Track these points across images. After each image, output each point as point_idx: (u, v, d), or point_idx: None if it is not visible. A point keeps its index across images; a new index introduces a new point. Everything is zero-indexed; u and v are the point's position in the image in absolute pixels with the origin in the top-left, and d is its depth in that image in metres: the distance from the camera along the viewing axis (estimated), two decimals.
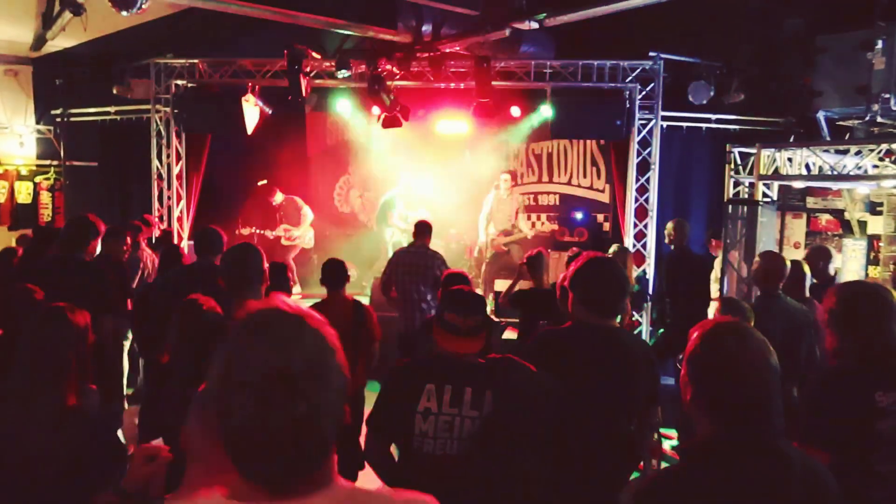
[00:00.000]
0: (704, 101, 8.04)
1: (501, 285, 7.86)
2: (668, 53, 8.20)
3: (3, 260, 5.51)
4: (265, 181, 9.31)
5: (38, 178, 10.49)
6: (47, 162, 10.54)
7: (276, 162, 9.81)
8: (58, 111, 10.07)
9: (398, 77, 8.48)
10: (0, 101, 10.22)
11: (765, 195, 6.52)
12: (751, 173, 6.77)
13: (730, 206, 6.45)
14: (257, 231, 9.16)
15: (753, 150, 6.61)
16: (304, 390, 1.10)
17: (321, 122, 10.65)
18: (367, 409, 2.63)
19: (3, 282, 5.00)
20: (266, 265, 2.97)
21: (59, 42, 8.93)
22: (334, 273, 4.59)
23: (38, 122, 10.50)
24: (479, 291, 8.93)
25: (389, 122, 8.64)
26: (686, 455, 1.67)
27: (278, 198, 9.32)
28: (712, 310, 4.97)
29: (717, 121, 8.50)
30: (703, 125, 8.57)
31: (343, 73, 8.23)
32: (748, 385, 1.58)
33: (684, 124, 8.63)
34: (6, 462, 1.99)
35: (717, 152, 8.35)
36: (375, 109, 8.80)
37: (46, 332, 2.22)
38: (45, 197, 10.52)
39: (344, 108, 9.44)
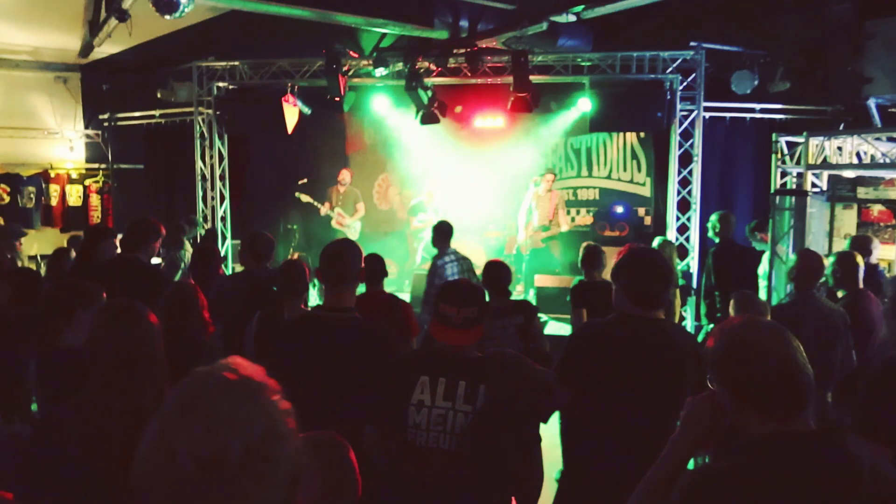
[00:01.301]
0: (748, 91, 7.86)
1: (541, 281, 7.81)
2: (710, 43, 8.04)
3: (56, 260, 5.68)
4: (305, 180, 9.41)
5: (87, 182, 10.81)
6: (96, 165, 10.84)
7: (315, 161, 9.92)
8: (105, 116, 10.36)
9: (435, 74, 8.50)
10: (51, 108, 10.56)
11: (814, 185, 6.33)
12: (798, 163, 6.58)
13: (777, 198, 6.29)
14: (313, 202, 9.27)
15: (801, 140, 6.43)
16: (241, 487, 0.92)
17: (359, 120, 10.73)
18: None
19: (56, 281, 5.14)
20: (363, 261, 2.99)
21: (105, 48, 9.17)
22: (373, 267, 4.60)
23: (86, 127, 10.81)
24: (518, 287, 8.91)
25: (427, 119, 8.66)
26: (741, 451, 1.61)
27: (346, 178, 9.42)
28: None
29: (762, 110, 8.30)
30: (748, 115, 8.38)
31: (381, 72, 8.28)
32: (795, 375, 1.55)
33: (727, 115, 8.44)
34: (100, 475, 1.92)
35: (762, 143, 8.15)
36: (413, 106, 8.82)
37: (121, 331, 2.11)
38: (95, 199, 10.83)
39: (382, 106, 9.49)
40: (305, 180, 9.39)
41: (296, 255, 9.40)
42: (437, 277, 5.67)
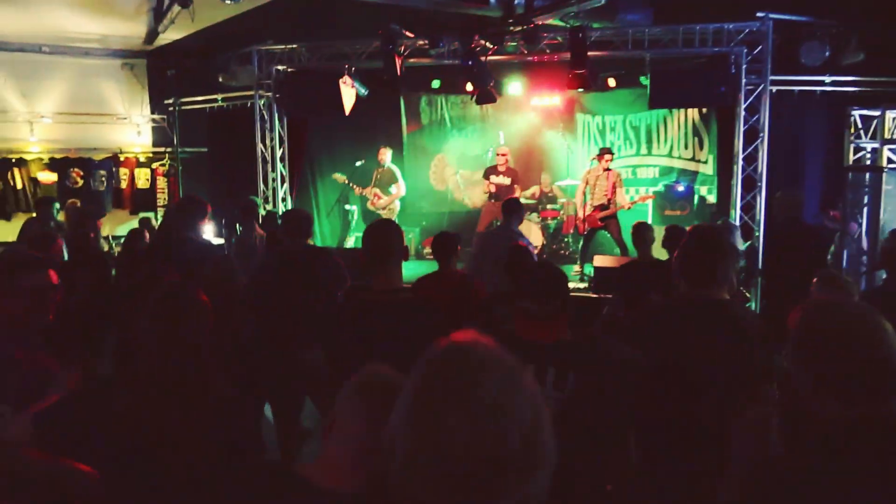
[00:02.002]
0: (819, 63, 7.51)
1: (600, 261, 7.71)
2: (778, 13, 7.70)
3: (131, 242, 5.89)
4: (363, 161, 9.50)
5: (154, 165, 11.20)
6: (162, 149, 11.22)
7: (373, 142, 10.00)
8: (170, 100, 10.67)
9: (491, 52, 8.41)
10: (119, 94, 10.96)
11: (890, 161, 6.04)
12: (874, 138, 6.28)
13: (850, 174, 6.03)
14: (349, 184, 9.30)
15: (877, 113, 6.13)
16: (516, 480, 0.83)
17: (416, 100, 10.75)
18: None
19: (133, 263, 5.35)
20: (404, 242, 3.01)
21: (169, 35, 9.46)
22: (445, 246, 4.62)
23: (152, 112, 11.17)
24: (576, 268, 8.82)
25: (483, 98, 8.60)
26: (821, 438, 1.56)
27: (386, 157, 9.38)
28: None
29: (834, 83, 7.92)
30: (818, 88, 8.01)
31: (437, 51, 8.25)
32: (882, 359, 1.49)
33: (796, 88, 8.10)
34: (147, 449, 1.99)
35: (833, 117, 7.81)
36: (470, 86, 8.77)
37: (172, 311, 2.12)
38: (162, 182, 11.22)
39: (439, 85, 9.47)
40: (363, 161, 9.47)
41: (351, 240, 9.53)
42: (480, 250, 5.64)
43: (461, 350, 0.89)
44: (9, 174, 10.16)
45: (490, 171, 9.02)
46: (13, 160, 10.19)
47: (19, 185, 10.24)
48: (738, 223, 7.98)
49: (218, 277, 3.66)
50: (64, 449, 1.95)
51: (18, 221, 8.78)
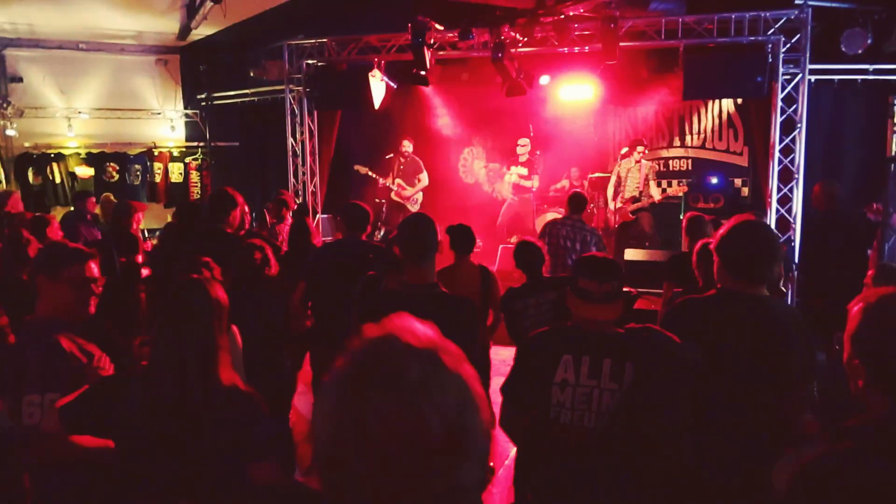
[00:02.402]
0: (860, 51, 7.29)
1: (631, 254, 7.62)
2: (817, 0, 7.49)
3: (168, 235, 5.97)
4: (392, 155, 9.51)
5: (187, 159, 11.36)
6: (195, 143, 11.37)
7: (402, 134, 10.00)
8: (202, 95, 10.80)
9: (521, 44, 8.34)
10: (153, 89, 11.12)
11: None
12: None
13: (892, 165, 5.84)
14: (372, 174, 9.29)
15: None
16: (441, 467, 0.82)
17: (445, 93, 10.71)
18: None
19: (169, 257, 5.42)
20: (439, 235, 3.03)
21: (201, 31, 9.56)
22: (463, 238, 4.62)
23: (185, 107, 11.32)
24: None
25: (513, 91, 8.53)
26: (856, 435, 1.52)
27: (408, 146, 9.35)
28: None
29: (876, 71, 7.68)
30: (859, 77, 7.78)
31: (466, 44, 8.21)
32: None
33: (836, 77, 7.88)
34: (163, 436, 2.04)
35: (875, 106, 7.61)
36: (499, 78, 8.71)
37: (186, 302, 2.16)
38: (195, 176, 11.38)
39: (468, 78, 9.43)
40: (392, 155, 9.47)
41: (380, 232, 9.54)
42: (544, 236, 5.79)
43: (389, 335, 0.88)
44: (48, 169, 10.39)
45: (510, 161, 9.04)
46: (52, 155, 10.42)
47: (58, 180, 10.47)
48: (774, 216, 7.81)
49: (251, 262, 3.71)
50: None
51: (57, 215, 8.98)
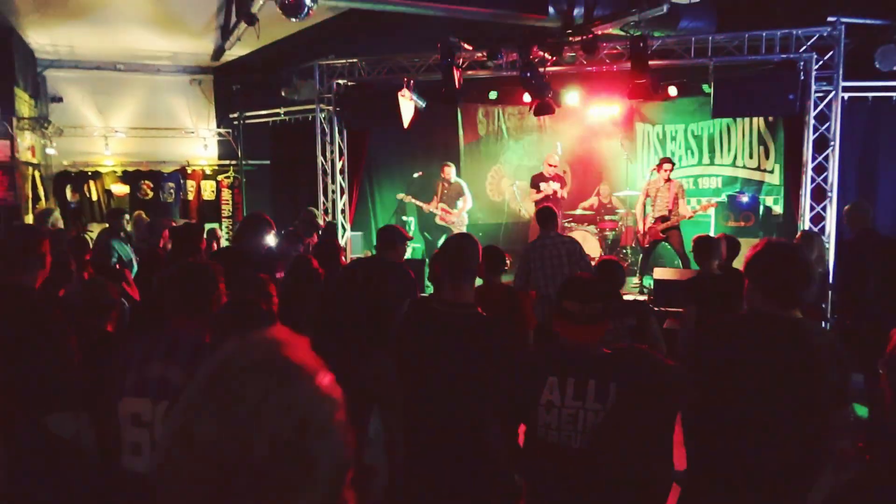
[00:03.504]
0: (895, 67, 7.18)
1: (660, 273, 7.55)
2: (851, 17, 7.41)
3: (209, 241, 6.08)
4: (421, 173, 9.58)
5: (219, 177, 11.56)
6: (227, 162, 11.58)
7: (431, 153, 10.09)
8: (235, 115, 11.01)
9: (550, 63, 8.37)
10: (187, 108, 11.37)
11: None
12: None
13: None
14: (415, 201, 9.41)
15: None
16: (271, 493, 0.77)
17: (474, 112, 10.79)
18: None
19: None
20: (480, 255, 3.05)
21: (235, 51, 9.77)
22: (491, 260, 4.64)
23: (218, 126, 11.55)
24: (636, 280, 8.65)
25: (541, 110, 8.56)
26: (889, 460, 1.50)
27: (450, 174, 9.45)
28: None
29: None
30: (894, 94, 7.66)
31: (495, 63, 8.27)
32: None
33: (870, 94, 7.77)
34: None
35: None
36: (527, 97, 8.75)
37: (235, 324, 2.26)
38: (226, 194, 11.57)
39: (497, 97, 9.49)
40: (421, 173, 9.55)
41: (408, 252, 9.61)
42: (532, 259, 5.61)
43: (241, 349, 0.84)
44: (85, 187, 10.66)
45: (538, 178, 9.03)
46: (89, 173, 10.69)
47: (94, 197, 10.73)
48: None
49: (298, 277, 3.82)
50: None
51: (94, 231, 9.21)
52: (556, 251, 5.57)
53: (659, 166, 8.55)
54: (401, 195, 9.48)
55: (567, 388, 2.38)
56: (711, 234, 8.46)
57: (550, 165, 9.02)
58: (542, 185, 8.94)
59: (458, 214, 9.34)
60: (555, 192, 8.94)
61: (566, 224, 9.52)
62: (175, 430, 0.81)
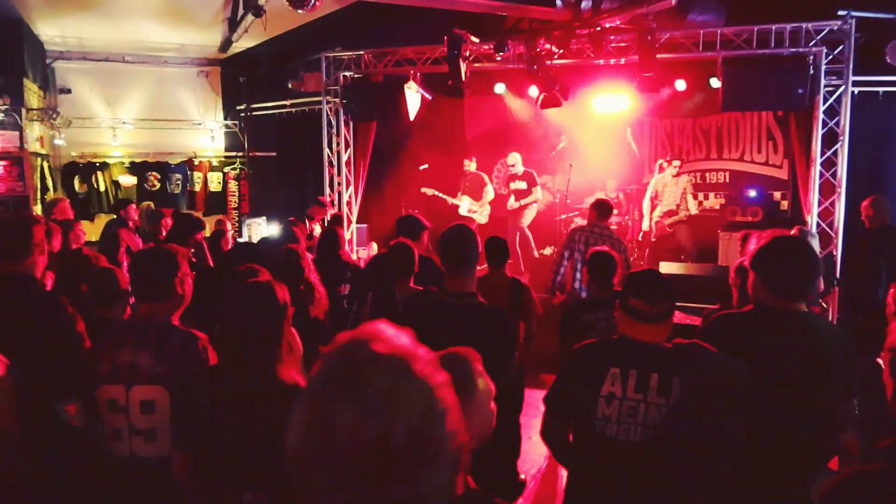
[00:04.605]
0: None
1: (667, 268, 7.54)
2: (861, 10, 7.34)
3: (214, 242, 6.10)
4: (426, 165, 9.58)
5: (226, 169, 11.58)
6: (233, 153, 11.60)
7: (436, 146, 10.06)
8: (242, 107, 11.02)
9: (557, 56, 8.34)
10: (194, 100, 11.39)
11: None
12: None
13: None
14: (439, 194, 9.43)
15: None
16: (405, 473, 0.84)
17: (480, 105, 10.75)
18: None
19: (216, 261, 5.54)
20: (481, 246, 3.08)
21: (242, 43, 9.77)
22: (496, 250, 4.64)
23: (225, 118, 11.56)
24: None
25: (548, 103, 8.53)
26: (889, 455, 1.49)
27: (471, 166, 9.50)
28: None
29: None
30: None
31: (502, 56, 8.25)
32: None
33: (880, 89, 7.70)
34: (225, 434, 2.16)
35: None
36: (534, 90, 8.72)
37: (252, 305, 2.27)
38: (233, 185, 11.60)
39: (503, 90, 9.46)
40: (427, 165, 9.54)
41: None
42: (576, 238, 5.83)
43: (356, 343, 0.90)
44: (93, 177, 10.70)
45: (509, 178, 9.07)
46: (97, 164, 10.72)
47: (102, 188, 10.77)
48: (815, 230, 7.65)
49: (286, 266, 3.86)
50: None
51: (101, 222, 9.24)
52: (600, 240, 5.69)
53: (667, 161, 8.52)
54: (424, 188, 9.52)
55: (629, 380, 2.35)
56: (719, 229, 8.43)
57: (511, 165, 9.10)
58: (512, 185, 8.98)
59: (481, 204, 9.42)
60: (523, 191, 8.96)
61: (573, 219, 9.50)
62: (310, 416, 0.86)
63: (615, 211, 8.85)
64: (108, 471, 2.48)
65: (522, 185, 9.06)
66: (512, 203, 9.22)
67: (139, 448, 2.42)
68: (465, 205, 9.40)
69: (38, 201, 9.17)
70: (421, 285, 3.94)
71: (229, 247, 6.10)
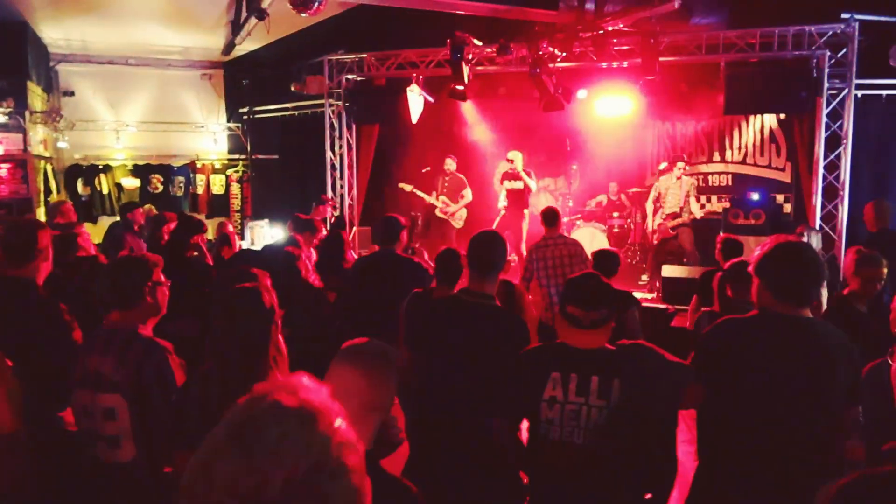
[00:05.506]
0: None
1: (669, 271, 7.52)
2: (865, 13, 7.34)
3: (219, 247, 6.11)
4: (429, 168, 9.56)
5: (229, 171, 11.60)
6: (236, 156, 11.62)
7: (438, 149, 10.05)
8: (244, 109, 11.04)
9: (560, 59, 8.34)
10: (197, 103, 11.41)
11: None
12: None
13: None
14: (416, 191, 9.29)
15: None
16: None
17: (482, 108, 10.75)
18: None
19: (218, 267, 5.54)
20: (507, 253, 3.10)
21: (245, 46, 9.79)
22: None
23: (228, 121, 11.58)
24: (645, 277, 8.62)
25: (551, 106, 8.52)
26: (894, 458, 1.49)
27: (451, 165, 9.37)
28: None
29: None
30: None
31: (504, 58, 8.25)
32: None
33: (884, 92, 7.69)
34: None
35: None
36: (537, 93, 8.70)
37: (238, 310, 2.27)
38: (235, 188, 11.61)
39: (506, 93, 9.45)
40: (429, 168, 9.53)
41: (416, 245, 9.59)
42: (535, 258, 5.63)
43: (265, 393, 0.91)
44: (96, 180, 10.72)
45: (505, 176, 8.90)
46: (100, 167, 10.74)
47: (105, 191, 10.79)
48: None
49: (285, 270, 3.89)
50: None
51: (104, 224, 9.25)
52: (558, 251, 5.57)
53: (670, 164, 8.50)
54: (402, 184, 9.43)
55: (570, 383, 2.38)
56: (722, 231, 8.42)
57: (509, 161, 8.90)
58: (507, 183, 8.86)
59: (459, 207, 9.30)
60: (519, 191, 8.80)
61: (575, 221, 9.49)
62: (198, 468, 0.86)
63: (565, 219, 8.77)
64: (87, 475, 2.49)
65: (518, 184, 8.87)
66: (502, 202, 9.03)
67: (104, 454, 2.41)
68: (440, 205, 9.28)
69: (42, 204, 9.19)
70: (405, 286, 3.94)
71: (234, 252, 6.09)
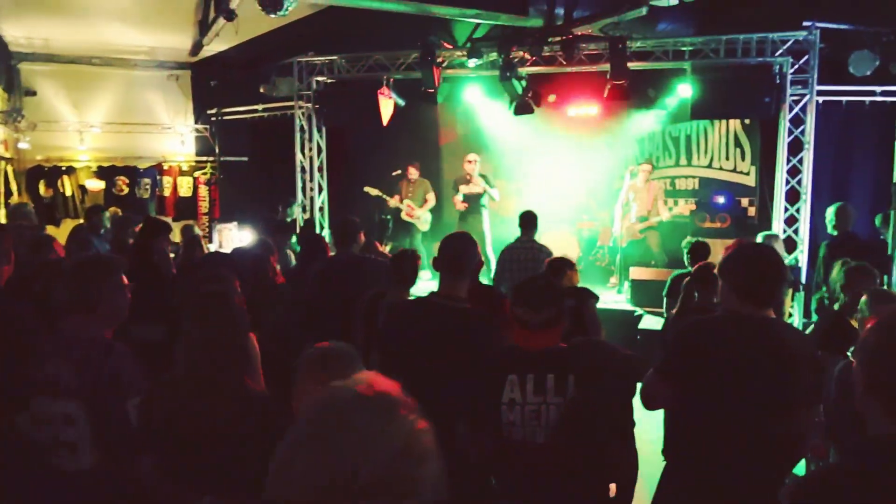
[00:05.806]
0: (868, 73, 7.31)
1: (637, 273, 7.62)
2: (825, 21, 7.52)
3: (188, 251, 6.02)
4: (399, 171, 9.56)
5: (196, 174, 11.43)
6: (204, 158, 11.45)
7: (409, 151, 10.05)
8: (213, 111, 10.89)
9: (529, 63, 8.40)
10: (164, 104, 11.23)
11: None
12: None
13: None
14: (383, 195, 9.33)
15: None
16: None
17: (453, 111, 10.77)
18: None
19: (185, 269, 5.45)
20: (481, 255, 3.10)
21: (213, 47, 9.66)
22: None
23: (196, 122, 11.41)
24: (612, 280, 8.72)
25: (521, 109, 8.58)
26: (855, 455, 1.52)
27: (414, 173, 9.44)
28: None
29: (884, 93, 7.68)
30: (867, 99, 7.78)
31: (474, 62, 8.28)
32: None
33: (844, 98, 7.88)
34: (184, 441, 2.13)
35: (883, 129, 7.58)
36: (507, 96, 8.76)
37: (207, 313, 2.26)
38: (203, 190, 11.44)
39: (475, 96, 9.48)
40: (399, 171, 9.52)
41: (387, 248, 9.58)
42: (503, 259, 5.67)
43: (344, 386, 0.94)
44: (59, 182, 10.48)
45: (459, 181, 8.95)
46: (63, 168, 10.51)
47: (68, 193, 10.56)
48: (780, 236, 7.80)
49: (252, 272, 3.85)
50: None
51: (66, 227, 9.05)
52: (525, 255, 5.59)
53: (638, 168, 8.62)
54: (367, 188, 9.42)
55: (527, 384, 2.41)
56: (689, 234, 8.55)
57: (469, 162, 8.94)
58: (462, 188, 8.90)
59: (423, 211, 9.34)
60: (477, 195, 8.84)
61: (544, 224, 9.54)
62: (286, 459, 0.90)
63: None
64: (46, 484, 2.42)
65: (476, 188, 8.86)
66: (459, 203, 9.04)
67: (64, 461, 2.35)
68: (405, 208, 9.31)
69: (2, 205, 8.95)
70: (366, 286, 3.93)
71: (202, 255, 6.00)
